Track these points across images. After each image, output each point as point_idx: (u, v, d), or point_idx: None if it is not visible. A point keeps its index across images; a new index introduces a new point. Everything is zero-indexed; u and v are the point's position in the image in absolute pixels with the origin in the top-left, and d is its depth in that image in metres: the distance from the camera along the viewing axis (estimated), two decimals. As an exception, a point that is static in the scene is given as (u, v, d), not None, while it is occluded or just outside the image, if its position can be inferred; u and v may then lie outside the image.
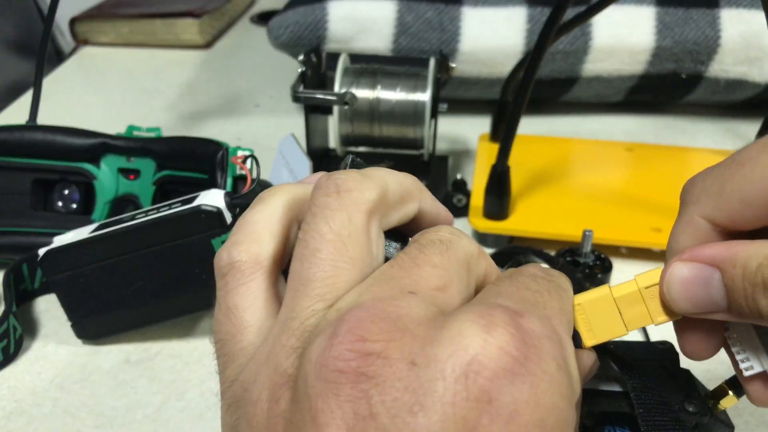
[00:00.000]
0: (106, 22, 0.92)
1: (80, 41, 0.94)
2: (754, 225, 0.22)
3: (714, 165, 0.23)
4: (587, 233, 0.44)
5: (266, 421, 0.17)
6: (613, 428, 0.31)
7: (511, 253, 0.40)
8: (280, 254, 0.21)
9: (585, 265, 0.44)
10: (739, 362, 0.25)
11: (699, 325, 0.24)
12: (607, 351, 0.33)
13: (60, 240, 0.41)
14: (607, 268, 0.44)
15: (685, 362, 0.33)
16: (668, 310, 0.24)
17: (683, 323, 0.25)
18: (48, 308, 0.46)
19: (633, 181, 0.57)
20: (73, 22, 0.92)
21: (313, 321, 0.18)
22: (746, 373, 0.25)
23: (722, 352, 0.26)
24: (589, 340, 0.26)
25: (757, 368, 0.25)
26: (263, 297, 0.20)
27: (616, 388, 0.32)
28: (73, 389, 0.39)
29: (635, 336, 0.42)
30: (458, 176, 0.57)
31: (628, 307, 0.26)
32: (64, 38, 0.96)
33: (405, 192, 0.22)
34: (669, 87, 0.69)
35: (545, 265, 0.41)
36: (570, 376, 0.17)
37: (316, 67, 0.57)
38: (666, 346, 0.34)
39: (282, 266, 0.22)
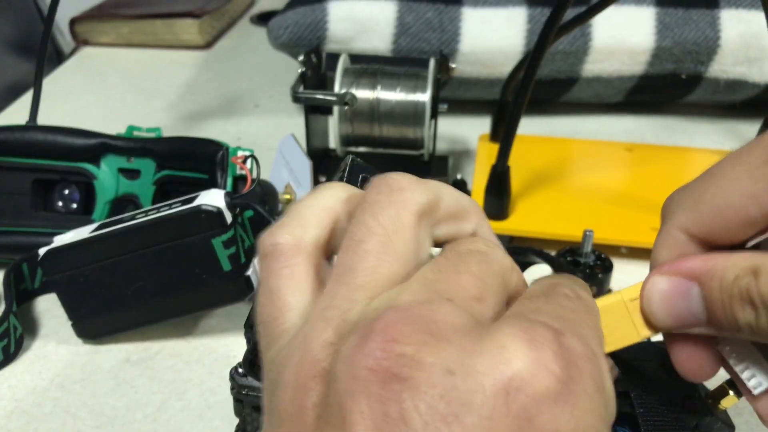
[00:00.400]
0: (106, 23, 0.92)
1: (80, 41, 0.94)
2: (731, 237, 0.22)
3: (693, 180, 0.23)
4: (588, 233, 0.44)
5: (295, 410, 0.17)
6: (614, 428, 0.31)
7: (511, 253, 0.40)
8: (324, 241, 0.21)
9: (585, 265, 0.44)
10: (745, 381, 0.24)
11: (691, 342, 0.24)
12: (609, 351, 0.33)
13: (60, 240, 0.41)
14: (608, 268, 0.44)
15: None
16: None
17: (674, 340, 0.24)
18: (48, 308, 0.46)
19: (633, 181, 0.57)
20: (73, 22, 0.92)
21: (352, 315, 0.18)
22: (756, 391, 0.24)
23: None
24: (605, 348, 0.25)
25: (766, 384, 0.24)
26: (306, 280, 0.20)
27: (617, 387, 0.32)
28: (74, 389, 0.39)
29: None
30: (458, 176, 0.57)
31: (637, 313, 0.25)
32: (64, 38, 0.96)
33: (460, 208, 0.22)
34: (669, 87, 0.69)
35: (546, 266, 0.41)
36: (606, 397, 0.17)
37: (316, 68, 0.57)
38: (665, 345, 0.34)
39: (327, 254, 0.21)
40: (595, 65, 0.67)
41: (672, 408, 0.30)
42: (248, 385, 0.33)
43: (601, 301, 0.25)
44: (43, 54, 0.51)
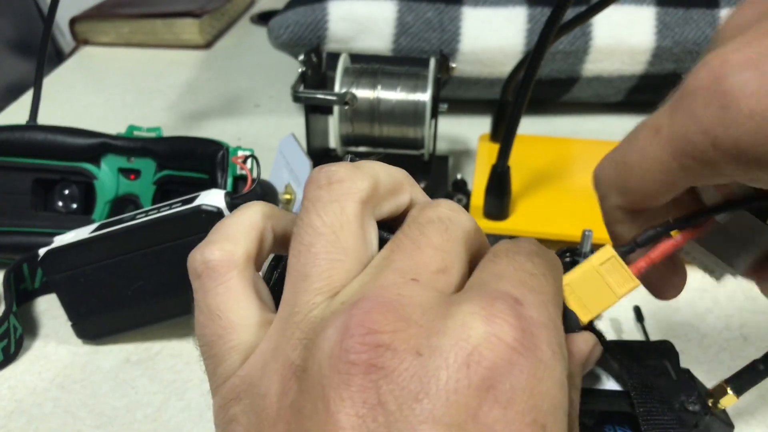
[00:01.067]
0: (106, 22, 0.92)
1: (80, 41, 0.94)
2: (659, 201, 0.26)
3: (612, 153, 0.29)
4: (587, 233, 0.44)
5: (276, 413, 0.17)
6: (614, 428, 0.32)
7: None
8: (254, 254, 0.21)
9: None
10: (710, 275, 0.30)
11: (659, 271, 0.28)
12: (607, 350, 0.33)
13: (60, 240, 0.41)
14: None
15: (684, 362, 0.33)
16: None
17: (647, 273, 0.28)
18: (48, 308, 0.46)
19: (633, 181, 0.57)
20: (73, 22, 0.92)
21: (317, 313, 0.18)
22: (719, 281, 0.30)
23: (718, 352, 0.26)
24: (585, 316, 0.27)
25: (722, 273, 0.29)
26: (244, 294, 0.20)
27: (617, 387, 0.32)
28: (74, 389, 0.39)
29: (635, 336, 0.42)
30: (458, 176, 0.57)
31: (610, 275, 0.27)
32: (64, 38, 0.96)
33: (396, 183, 0.22)
34: (669, 87, 0.69)
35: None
36: (563, 361, 0.18)
37: (317, 67, 0.57)
38: (666, 345, 0.34)
39: (257, 266, 0.22)
40: (595, 65, 0.67)
41: (672, 407, 0.30)
42: None
43: (573, 273, 0.27)
44: (44, 53, 0.51)
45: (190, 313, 0.42)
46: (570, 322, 0.27)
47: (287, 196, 0.51)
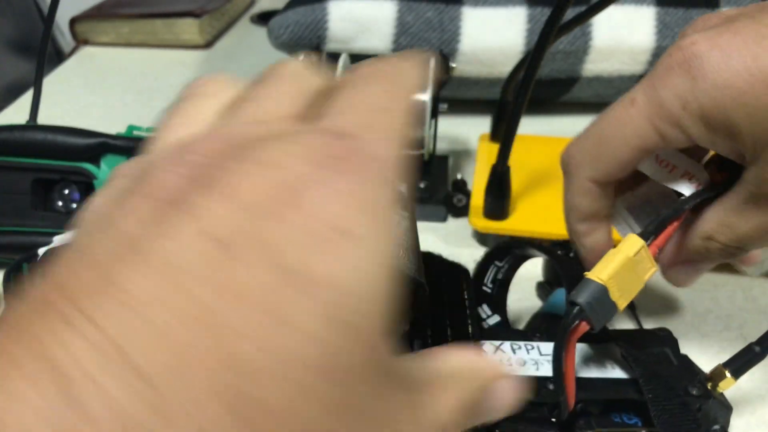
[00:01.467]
0: (106, 22, 0.92)
1: (80, 41, 0.94)
2: (624, 174, 0.32)
3: (585, 131, 0.33)
4: None
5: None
6: (620, 416, 0.32)
7: (509, 247, 0.41)
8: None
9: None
10: (619, 231, 0.35)
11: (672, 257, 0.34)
12: (612, 339, 0.33)
13: (60, 239, 0.41)
14: None
15: (681, 349, 0.34)
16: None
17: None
18: (48, 308, 0.46)
19: (633, 181, 0.57)
20: (73, 21, 0.92)
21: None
22: (621, 234, 0.35)
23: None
24: (621, 305, 0.29)
25: (626, 231, 0.35)
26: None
27: (622, 375, 0.32)
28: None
29: (627, 324, 0.42)
30: (458, 176, 0.57)
31: (638, 263, 0.30)
32: (64, 38, 0.96)
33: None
34: (669, 87, 0.69)
35: (545, 258, 0.41)
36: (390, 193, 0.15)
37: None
38: (665, 333, 0.35)
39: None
40: (595, 65, 0.67)
41: (677, 392, 0.31)
42: None
43: (610, 266, 0.29)
44: (44, 53, 0.51)
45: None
46: (607, 312, 0.29)
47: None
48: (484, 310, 0.39)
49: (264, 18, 1.03)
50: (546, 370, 0.31)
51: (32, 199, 0.49)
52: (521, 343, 0.34)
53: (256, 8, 1.10)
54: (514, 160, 0.49)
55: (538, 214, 0.52)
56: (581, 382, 0.31)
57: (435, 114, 0.54)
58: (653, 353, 0.34)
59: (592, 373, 0.32)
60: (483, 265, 0.41)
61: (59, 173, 0.49)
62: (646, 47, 0.65)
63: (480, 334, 0.34)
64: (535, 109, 0.72)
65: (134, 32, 0.92)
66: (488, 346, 0.34)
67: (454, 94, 0.70)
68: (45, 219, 0.49)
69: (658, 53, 0.65)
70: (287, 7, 0.68)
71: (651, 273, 0.30)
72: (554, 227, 0.50)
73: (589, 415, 0.31)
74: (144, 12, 0.92)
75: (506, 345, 0.34)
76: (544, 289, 0.45)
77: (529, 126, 0.62)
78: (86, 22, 0.92)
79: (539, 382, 0.31)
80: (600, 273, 0.29)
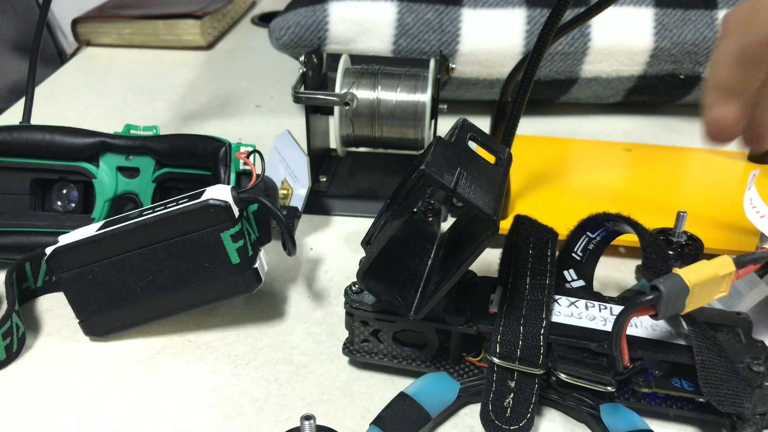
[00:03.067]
0: (108, 23, 0.92)
1: (82, 42, 0.94)
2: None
3: (743, 2, 0.35)
4: (682, 214, 0.44)
5: None
6: (680, 380, 0.35)
7: (602, 219, 0.42)
8: None
9: (677, 244, 0.44)
10: None
11: None
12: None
13: (66, 238, 0.41)
14: (700, 249, 0.44)
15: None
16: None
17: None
18: (51, 307, 0.46)
19: (631, 181, 0.57)
20: (75, 23, 0.92)
21: None
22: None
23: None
24: (687, 310, 0.32)
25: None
26: None
27: (683, 343, 0.35)
28: (76, 387, 0.40)
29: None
30: (458, 176, 0.58)
31: (719, 283, 0.32)
32: (67, 39, 0.96)
33: None
34: (667, 88, 0.70)
35: (635, 235, 0.42)
36: None
37: (317, 68, 0.58)
38: (743, 316, 0.38)
39: None
40: (594, 66, 0.67)
41: (732, 364, 0.33)
42: (359, 301, 0.38)
43: (699, 274, 0.31)
44: (36, 51, 0.51)
45: (200, 306, 0.42)
46: (674, 309, 0.32)
47: (284, 191, 0.51)
48: (570, 274, 0.43)
49: (265, 19, 1.03)
50: (611, 328, 0.35)
51: (31, 199, 0.49)
52: (596, 302, 0.39)
53: (257, 9, 1.10)
54: (514, 160, 0.49)
55: (537, 214, 0.52)
56: (643, 343, 0.35)
57: (435, 115, 0.54)
58: (723, 329, 0.37)
59: (657, 335, 0.36)
60: (575, 234, 0.43)
61: (58, 173, 0.49)
62: (645, 48, 0.66)
63: (557, 289, 0.39)
64: (534, 109, 0.73)
65: (136, 33, 0.93)
66: (564, 300, 0.39)
67: (454, 95, 0.71)
68: (44, 219, 0.49)
69: (656, 54, 0.66)
70: (288, 8, 0.69)
71: (720, 296, 0.33)
72: (554, 227, 0.51)
73: (650, 375, 0.36)
74: (146, 13, 0.92)
75: (581, 302, 0.39)
76: (642, 273, 0.46)
77: (528, 126, 0.62)
78: (88, 23, 0.93)
79: (603, 336, 0.36)
80: (689, 275, 0.32)
